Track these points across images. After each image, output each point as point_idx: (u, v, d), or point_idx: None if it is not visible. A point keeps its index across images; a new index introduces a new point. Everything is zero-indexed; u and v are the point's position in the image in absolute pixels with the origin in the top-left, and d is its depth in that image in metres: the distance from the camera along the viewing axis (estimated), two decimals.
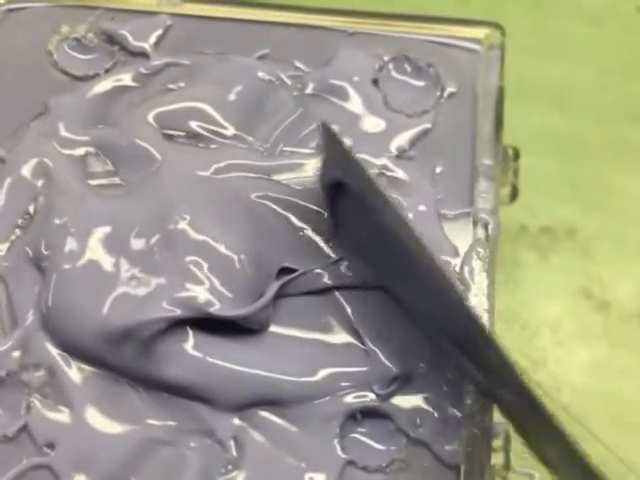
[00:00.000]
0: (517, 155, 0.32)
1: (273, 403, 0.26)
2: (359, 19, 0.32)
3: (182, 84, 0.31)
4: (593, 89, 0.40)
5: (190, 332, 0.26)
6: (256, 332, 0.26)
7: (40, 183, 0.29)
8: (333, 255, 0.27)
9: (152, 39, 0.31)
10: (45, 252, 0.27)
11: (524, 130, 0.37)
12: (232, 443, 0.26)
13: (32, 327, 0.27)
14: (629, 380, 0.34)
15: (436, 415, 0.26)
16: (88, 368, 0.26)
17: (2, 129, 0.30)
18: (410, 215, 0.28)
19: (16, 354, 0.26)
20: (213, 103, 0.30)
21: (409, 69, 0.31)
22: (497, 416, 0.27)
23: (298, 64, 0.31)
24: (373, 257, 0.27)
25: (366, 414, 0.26)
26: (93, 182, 0.29)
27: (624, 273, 0.37)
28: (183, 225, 0.26)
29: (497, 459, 0.27)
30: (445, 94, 0.31)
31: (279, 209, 0.28)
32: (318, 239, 0.27)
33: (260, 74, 0.31)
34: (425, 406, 0.26)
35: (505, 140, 0.31)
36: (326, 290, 0.27)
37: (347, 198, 0.27)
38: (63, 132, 0.30)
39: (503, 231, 0.30)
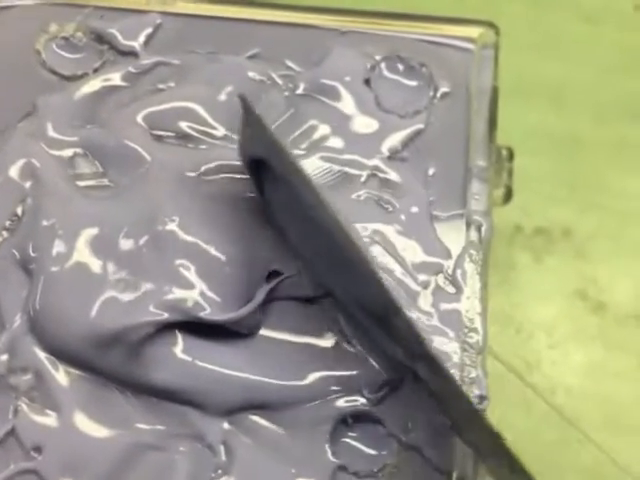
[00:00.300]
0: (511, 156, 0.31)
1: (263, 407, 0.25)
2: (351, 18, 0.31)
3: (172, 84, 0.30)
4: (590, 87, 0.40)
5: (179, 336, 0.25)
6: (246, 336, 0.26)
7: (28, 184, 0.28)
8: None
9: (142, 38, 0.31)
10: (33, 254, 0.27)
11: (520, 129, 0.37)
12: (222, 448, 0.25)
13: (19, 330, 0.26)
14: (624, 382, 0.34)
15: (427, 420, 0.26)
16: (76, 372, 0.26)
17: None
18: (402, 217, 0.28)
19: (3, 357, 0.26)
20: (203, 103, 0.29)
21: (401, 69, 0.31)
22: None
23: (289, 64, 0.31)
24: (298, 234, 0.26)
25: (357, 419, 0.26)
26: (81, 183, 0.29)
27: (620, 274, 0.36)
28: (172, 227, 0.26)
29: None
30: (438, 94, 0.30)
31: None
32: None
33: (251, 74, 0.30)
34: (416, 410, 0.26)
35: (500, 139, 0.31)
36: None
37: (270, 174, 0.26)
38: (51, 133, 0.29)
39: (497, 232, 0.30)
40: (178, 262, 0.26)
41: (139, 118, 0.29)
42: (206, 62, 0.30)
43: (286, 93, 0.30)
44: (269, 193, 0.27)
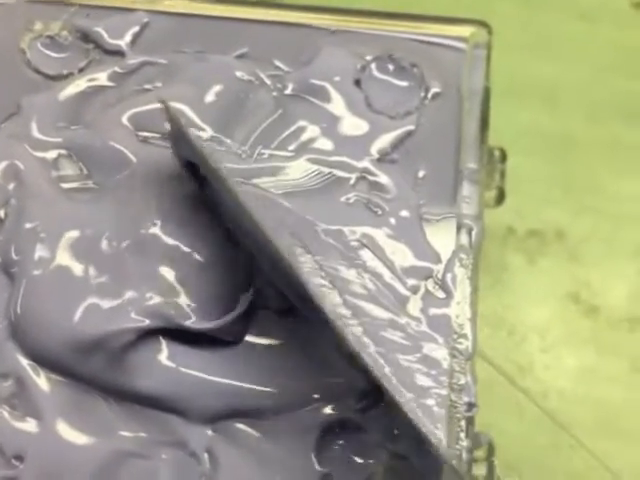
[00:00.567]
0: (504, 157, 0.31)
1: (247, 415, 0.25)
2: (341, 17, 0.31)
3: (159, 84, 0.30)
4: (584, 87, 0.39)
5: (162, 342, 0.25)
6: (230, 343, 0.25)
7: (11, 186, 0.28)
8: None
9: (128, 37, 0.30)
10: (15, 257, 0.27)
11: (513, 129, 0.36)
12: (205, 455, 0.25)
13: (1, 336, 0.26)
14: (617, 387, 0.34)
15: (415, 428, 0.25)
16: (58, 378, 0.25)
17: None
18: (392, 220, 0.28)
19: None
20: (190, 104, 0.29)
21: (392, 69, 0.30)
22: (479, 425, 0.26)
23: (278, 63, 0.30)
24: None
25: (343, 427, 0.25)
26: (66, 185, 0.28)
27: (614, 277, 0.36)
28: (155, 230, 0.26)
29: (480, 470, 0.27)
30: (429, 95, 0.30)
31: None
32: None
33: (239, 74, 0.30)
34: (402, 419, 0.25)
35: (493, 139, 0.30)
36: None
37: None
38: (35, 133, 0.29)
39: (490, 233, 0.29)
40: (161, 267, 0.25)
41: (125, 119, 0.29)
42: (193, 62, 0.30)
43: (274, 93, 0.30)
44: (210, 194, 0.26)
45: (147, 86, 0.30)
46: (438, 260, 0.27)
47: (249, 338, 0.26)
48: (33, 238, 0.26)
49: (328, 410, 0.25)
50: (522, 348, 0.35)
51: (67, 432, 0.25)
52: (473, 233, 0.28)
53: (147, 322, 0.24)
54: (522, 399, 0.34)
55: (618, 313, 0.35)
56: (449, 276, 0.27)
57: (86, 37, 0.30)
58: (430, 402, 0.25)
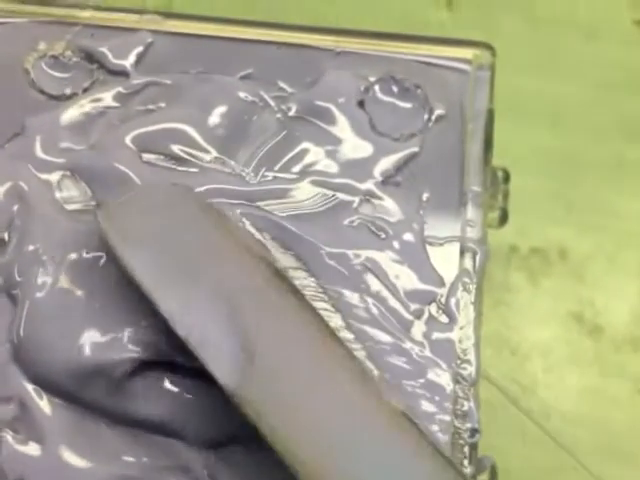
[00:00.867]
0: (507, 178, 0.31)
1: (249, 440, 0.25)
2: (345, 38, 0.31)
3: (162, 104, 0.30)
4: (588, 105, 0.39)
5: (160, 370, 0.25)
6: None
7: (15, 207, 0.28)
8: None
9: (132, 57, 0.30)
10: (18, 279, 0.27)
11: (516, 148, 0.36)
12: None
13: (3, 358, 0.26)
14: (620, 408, 0.34)
15: None
16: (61, 402, 0.25)
17: None
18: (395, 244, 0.28)
19: None
20: (194, 125, 0.29)
21: (396, 90, 0.30)
22: (482, 447, 0.26)
23: (282, 84, 0.30)
24: None
25: None
26: (69, 207, 0.28)
27: (617, 297, 0.36)
28: None
29: None
30: (433, 117, 0.30)
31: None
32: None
33: (243, 95, 0.30)
34: None
35: (496, 158, 0.30)
36: None
37: None
38: (39, 154, 0.29)
39: (493, 252, 0.29)
40: None
41: (129, 140, 0.29)
42: (197, 82, 0.30)
43: (278, 115, 0.30)
44: None
45: (151, 106, 0.30)
46: (442, 284, 0.27)
47: None
48: (36, 260, 0.26)
49: None
50: (525, 368, 0.35)
51: (70, 456, 0.25)
52: (477, 257, 0.28)
53: (141, 355, 0.24)
54: (525, 420, 0.34)
55: (622, 333, 0.35)
56: (453, 301, 0.27)
57: (90, 57, 0.30)
58: (434, 428, 0.25)
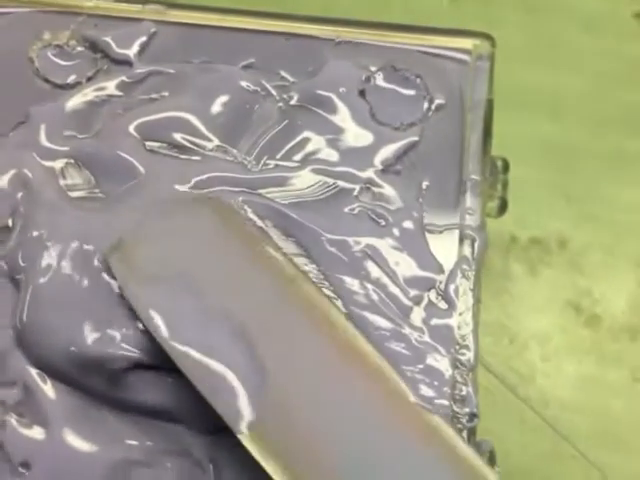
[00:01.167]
0: (506, 167, 0.31)
1: None
2: (347, 28, 0.31)
3: (165, 93, 0.30)
4: (588, 97, 0.40)
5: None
6: None
7: (19, 195, 0.28)
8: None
9: (136, 47, 0.31)
10: (22, 264, 0.27)
11: (516, 138, 0.37)
12: (210, 465, 0.25)
13: (8, 343, 0.26)
14: (618, 396, 0.34)
15: None
16: (64, 387, 0.25)
17: None
18: (395, 231, 0.28)
19: None
20: (196, 113, 0.29)
21: (397, 80, 0.30)
22: (481, 433, 0.27)
23: (284, 74, 0.30)
24: None
25: None
26: (73, 194, 0.28)
27: (615, 286, 0.36)
28: None
29: None
30: (433, 106, 0.30)
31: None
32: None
33: (245, 84, 0.30)
34: None
35: (495, 149, 0.30)
36: None
37: None
38: (43, 142, 0.29)
39: (492, 242, 0.30)
40: None
41: (132, 128, 0.29)
42: (200, 72, 0.30)
43: (280, 104, 0.30)
44: None
45: (154, 95, 0.30)
46: (441, 271, 0.28)
47: None
48: (40, 246, 0.27)
49: None
50: (524, 356, 0.35)
51: (74, 440, 0.25)
52: (476, 245, 0.28)
53: (136, 355, 0.25)
54: (523, 408, 0.34)
55: (619, 322, 0.35)
56: (452, 287, 0.27)
57: (94, 46, 0.31)
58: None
